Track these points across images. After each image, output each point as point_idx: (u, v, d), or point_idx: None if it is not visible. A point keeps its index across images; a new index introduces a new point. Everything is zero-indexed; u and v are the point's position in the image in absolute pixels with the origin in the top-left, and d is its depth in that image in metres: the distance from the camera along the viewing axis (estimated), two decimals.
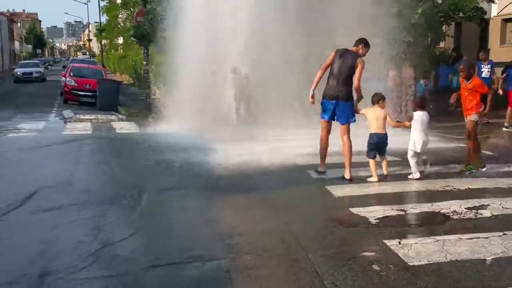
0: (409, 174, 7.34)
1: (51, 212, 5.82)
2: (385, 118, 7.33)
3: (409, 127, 7.39)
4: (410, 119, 7.43)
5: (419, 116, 7.29)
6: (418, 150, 7.25)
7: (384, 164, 7.42)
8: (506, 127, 12.20)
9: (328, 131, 7.45)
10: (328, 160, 7.65)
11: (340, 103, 7.22)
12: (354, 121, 7.34)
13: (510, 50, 27.73)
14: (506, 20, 28.38)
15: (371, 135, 7.37)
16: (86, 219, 5.54)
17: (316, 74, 7.47)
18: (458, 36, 27.45)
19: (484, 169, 7.55)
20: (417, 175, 7.24)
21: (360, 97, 7.35)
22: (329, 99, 7.28)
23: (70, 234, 5.10)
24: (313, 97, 7.39)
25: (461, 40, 27.35)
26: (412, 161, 7.28)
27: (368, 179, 7.20)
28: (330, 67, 7.36)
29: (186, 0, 12.83)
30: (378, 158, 7.45)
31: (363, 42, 7.40)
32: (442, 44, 22.99)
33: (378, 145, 7.35)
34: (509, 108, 12.34)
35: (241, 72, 12.25)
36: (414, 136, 7.27)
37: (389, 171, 7.44)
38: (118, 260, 4.43)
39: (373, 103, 7.43)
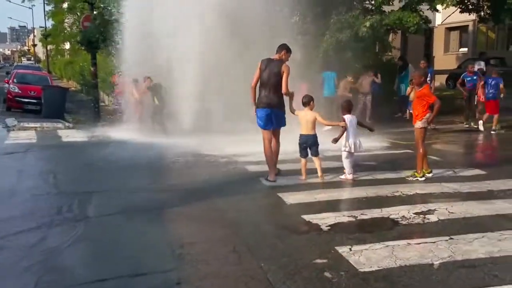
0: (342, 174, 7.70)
1: None
2: (314, 120, 7.65)
3: (343, 126, 7.63)
4: (342, 119, 7.71)
5: (348, 120, 7.63)
6: (352, 151, 7.59)
7: (317, 164, 7.67)
8: (494, 130, 12.93)
9: (269, 140, 7.61)
10: (279, 167, 7.66)
11: (274, 111, 7.48)
12: (284, 124, 7.70)
13: (453, 57, 28.87)
14: (450, 29, 29.54)
15: (300, 135, 7.72)
16: (30, 231, 5.30)
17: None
18: (404, 44, 28.28)
19: (430, 174, 7.74)
20: (350, 176, 7.60)
21: (291, 97, 7.66)
22: (263, 107, 7.50)
23: (14, 246, 4.86)
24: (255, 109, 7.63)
25: (407, 48, 28.20)
26: (346, 162, 7.66)
27: (299, 178, 7.59)
28: (260, 77, 7.57)
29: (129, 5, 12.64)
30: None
31: (285, 48, 7.69)
32: (389, 53, 23.65)
33: (306, 145, 7.67)
34: (486, 114, 13.20)
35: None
36: (346, 138, 7.62)
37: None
38: (63, 274, 4.25)
39: (304, 105, 7.76)
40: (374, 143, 10.59)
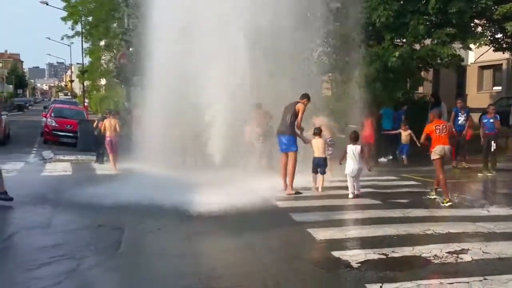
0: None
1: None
2: (324, 145, 9.67)
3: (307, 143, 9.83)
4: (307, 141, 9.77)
5: (351, 148, 8.99)
6: (353, 175, 8.85)
7: (321, 180, 9.44)
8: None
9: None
10: (309, 203, 7.67)
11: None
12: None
13: (486, 96, 28.52)
14: (483, 67, 29.29)
15: (313, 158, 9.66)
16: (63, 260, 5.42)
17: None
18: (436, 82, 28.17)
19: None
20: (351, 196, 8.81)
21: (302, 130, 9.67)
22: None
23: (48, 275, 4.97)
24: None
25: (439, 86, 28.05)
26: (349, 184, 8.90)
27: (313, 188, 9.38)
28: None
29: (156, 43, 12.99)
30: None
31: (306, 97, 9.68)
32: (421, 90, 23.56)
33: (317, 165, 9.58)
34: None
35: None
36: (348, 164, 8.95)
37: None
38: None
39: (315, 135, 9.72)
40: (405, 181, 10.51)
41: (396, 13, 13.28)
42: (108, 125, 13.84)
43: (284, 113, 9.55)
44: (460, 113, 13.40)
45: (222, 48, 11.48)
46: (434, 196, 8.90)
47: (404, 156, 14.32)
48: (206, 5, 11.67)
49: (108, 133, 13.75)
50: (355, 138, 9.12)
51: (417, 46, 15.13)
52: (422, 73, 19.19)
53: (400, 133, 14.38)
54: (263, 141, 11.57)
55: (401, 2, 13.55)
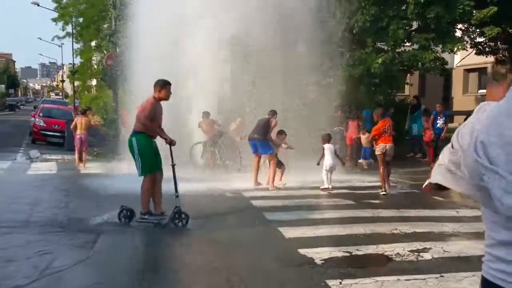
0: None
1: None
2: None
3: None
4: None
5: (327, 147, 10.33)
6: (328, 169, 10.12)
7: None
8: None
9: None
10: (282, 203, 7.89)
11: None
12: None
13: (472, 99, 28.85)
14: (468, 70, 29.62)
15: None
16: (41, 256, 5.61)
17: None
18: (422, 84, 28.47)
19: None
20: (326, 186, 10.01)
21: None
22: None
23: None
24: None
25: (426, 88, 28.35)
26: (325, 177, 10.11)
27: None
28: None
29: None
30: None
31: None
32: (407, 92, 23.85)
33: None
34: None
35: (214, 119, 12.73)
36: (326, 160, 10.19)
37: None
38: None
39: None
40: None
41: (374, 18, 13.53)
42: (79, 123, 14.25)
43: (258, 124, 10.74)
44: (439, 116, 13.73)
45: (205, 57, 11.80)
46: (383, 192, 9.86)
47: (366, 160, 13.84)
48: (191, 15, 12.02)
49: (78, 131, 14.16)
50: (329, 139, 10.59)
51: (398, 50, 15.38)
52: (408, 76, 19.49)
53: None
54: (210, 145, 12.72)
55: (382, 7, 13.79)
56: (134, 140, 7.09)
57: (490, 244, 1.54)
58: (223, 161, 12.66)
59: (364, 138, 14.07)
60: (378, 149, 9.97)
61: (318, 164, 10.34)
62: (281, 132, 11.13)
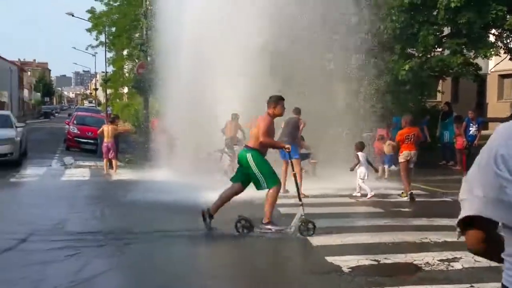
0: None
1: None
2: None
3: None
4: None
5: (361, 156, 10.28)
6: (362, 177, 10.13)
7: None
8: None
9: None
10: (311, 210, 7.87)
11: None
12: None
13: (507, 105, 28.21)
14: (503, 76, 29.00)
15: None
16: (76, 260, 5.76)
17: None
18: (456, 91, 27.96)
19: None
20: (369, 193, 9.92)
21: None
22: None
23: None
24: None
25: (459, 94, 27.84)
26: (362, 185, 10.14)
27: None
28: None
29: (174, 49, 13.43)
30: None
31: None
32: (439, 98, 23.47)
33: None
34: None
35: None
36: (361, 169, 10.19)
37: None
38: None
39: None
40: (412, 191, 10.60)
41: (403, 24, 13.40)
42: (106, 131, 14.51)
43: (287, 124, 10.37)
44: (471, 123, 13.49)
45: (234, 65, 11.94)
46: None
47: (386, 167, 13.27)
48: (221, 21, 12.18)
49: (105, 139, 14.40)
50: (362, 147, 10.49)
51: (429, 56, 15.19)
52: (440, 82, 19.20)
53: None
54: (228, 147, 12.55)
55: (412, 13, 13.66)
56: (249, 157, 7.11)
57: (509, 254, 1.54)
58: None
59: (386, 145, 13.92)
60: (402, 156, 9.95)
61: (352, 170, 10.27)
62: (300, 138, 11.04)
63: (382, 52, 14.12)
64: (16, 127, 16.26)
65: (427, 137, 14.93)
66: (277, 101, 7.36)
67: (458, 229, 1.66)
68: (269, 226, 7.04)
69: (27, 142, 18.46)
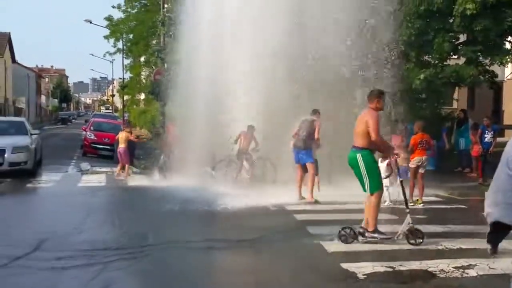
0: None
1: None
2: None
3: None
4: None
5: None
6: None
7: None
8: None
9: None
10: (326, 217, 7.93)
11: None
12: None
13: None
14: None
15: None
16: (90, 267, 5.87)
17: None
18: (472, 98, 27.76)
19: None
20: (388, 201, 9.65)
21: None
22: None
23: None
24: None
25: (475, 101, 27.64)
26: (386, 192, 9.38)
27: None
28: None
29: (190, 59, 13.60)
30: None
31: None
32: (455, 105, 23.36)
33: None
34: None
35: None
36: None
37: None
38: None
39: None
40: (428, 197, 10.60)
41: (419, 32, 13.41)
42: (120, 138, 15.06)
43: (301, 127, 10.40)
44: (487, 131, 13.42)
45: (250, 70, 12.04)
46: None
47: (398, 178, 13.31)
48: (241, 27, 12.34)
49: (120, 145, 14.94)
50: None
51: (444, 64, 15.15)
52: (456, 89, 19.07)
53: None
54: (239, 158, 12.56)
55: (427, 20, 13.66)
56: (359, 157, 6.86)
57: None
58: (251, 175, 12.45)
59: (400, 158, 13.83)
60: (414, 162, 10.03)
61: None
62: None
63: (397, 59, 14.11)
64: (31, 134, 15.76)
65: (445, 143, 14.94)
66: (379, 95, 7.06)
67: (489, 247, 1.74)
68: (375, 235, 6.88)
69: (42, 149, 17.85)
